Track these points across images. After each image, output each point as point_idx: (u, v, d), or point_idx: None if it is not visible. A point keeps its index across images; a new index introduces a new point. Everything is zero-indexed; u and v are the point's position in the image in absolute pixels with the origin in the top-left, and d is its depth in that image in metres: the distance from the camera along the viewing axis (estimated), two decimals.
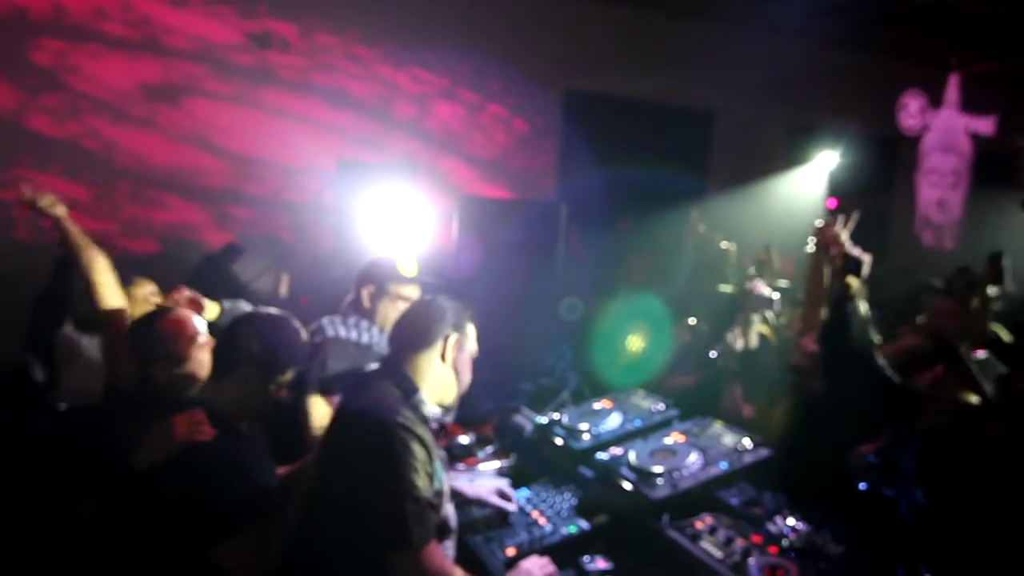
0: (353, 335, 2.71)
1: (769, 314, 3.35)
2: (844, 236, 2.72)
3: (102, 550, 1.92)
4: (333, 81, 5.81)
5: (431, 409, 1.86)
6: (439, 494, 1.80)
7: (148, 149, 5.39)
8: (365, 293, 2.76)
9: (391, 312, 2.67)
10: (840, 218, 2.83)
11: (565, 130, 6.60)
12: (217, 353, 2.05)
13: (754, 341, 3.26)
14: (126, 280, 2.88)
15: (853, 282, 2.61)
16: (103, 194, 5.34)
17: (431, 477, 1.76)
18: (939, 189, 7.57)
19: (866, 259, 2.65)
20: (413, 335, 1.92)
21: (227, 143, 5.48)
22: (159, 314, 2.36)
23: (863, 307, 2.63)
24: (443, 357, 1.91)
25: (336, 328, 2.70)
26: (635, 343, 2.86)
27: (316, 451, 1.97)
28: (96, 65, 5.22)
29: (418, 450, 1.73)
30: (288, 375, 2.02)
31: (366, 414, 1.77)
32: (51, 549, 2.17)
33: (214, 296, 3.03)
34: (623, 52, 6.58)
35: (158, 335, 2.27)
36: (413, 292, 2.72)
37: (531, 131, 6.57)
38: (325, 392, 2.52)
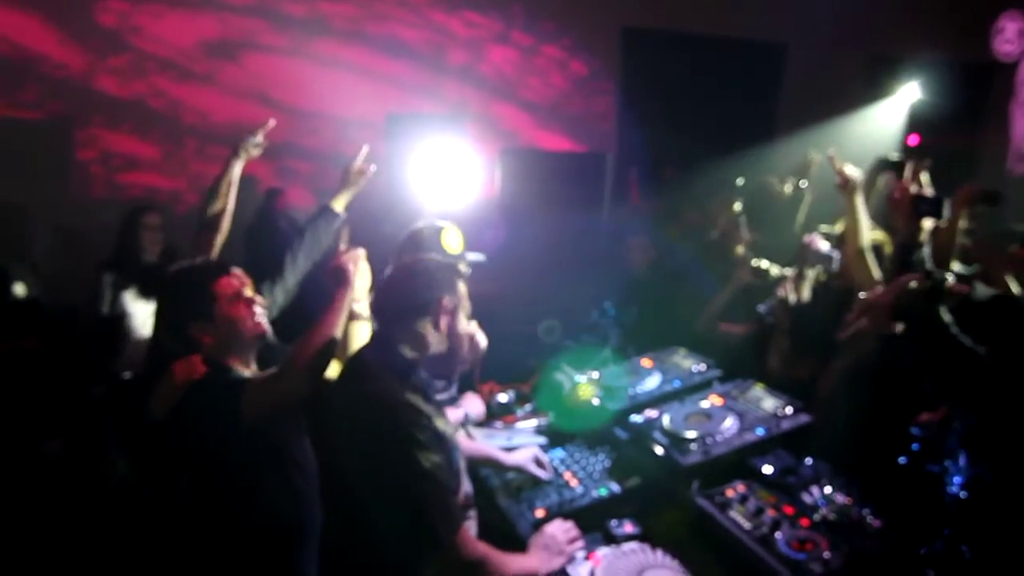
0: None
1: (824, 270, 3.17)
2: (914, 187, 2.52)
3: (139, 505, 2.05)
4: (386, 29, 5.76)
5: (435, 383, 1.83)
6: (456, 473, 1.76)
7: (211, 106, 5.52)
8: None
9: None
10: (909, 167, 2.62)
11: (625, 71, 6.34)
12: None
13: (806, 295, 3.12)
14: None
15: (927, 225, 2.42)
16: (172, 152, 5.53)
17: (448, 460, 1.70)
18: None
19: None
20: (400, 306, 1.80)
21: (284, 97, 5.53)
22: None
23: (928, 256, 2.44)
24: (437, 324, 1.79)
25: None
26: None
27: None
28: (159, 24, 5.34)
29: (428, 436, 1.66)
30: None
31: (369, 408, 1.69)
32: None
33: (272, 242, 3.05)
34: None
35: None
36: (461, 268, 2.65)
37: (589, 73, 6.34)
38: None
